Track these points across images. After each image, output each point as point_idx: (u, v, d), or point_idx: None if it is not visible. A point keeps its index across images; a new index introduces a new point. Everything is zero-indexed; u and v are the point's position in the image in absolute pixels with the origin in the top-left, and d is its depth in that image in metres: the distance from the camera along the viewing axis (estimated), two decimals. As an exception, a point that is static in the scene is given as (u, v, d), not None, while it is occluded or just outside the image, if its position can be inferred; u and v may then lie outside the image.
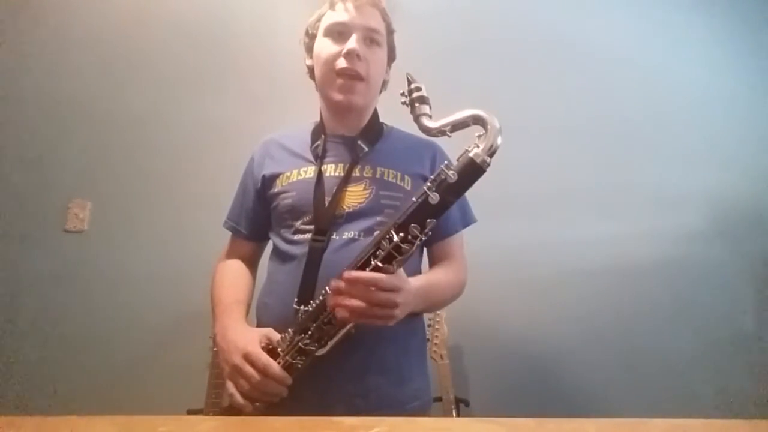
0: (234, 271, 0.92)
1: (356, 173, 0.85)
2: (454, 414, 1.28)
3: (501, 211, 1.46)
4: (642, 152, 1.61)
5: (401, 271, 0.68)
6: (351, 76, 0.83)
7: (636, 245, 1.52)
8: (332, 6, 0.87)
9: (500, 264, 1.50)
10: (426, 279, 0.81)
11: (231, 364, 0.70)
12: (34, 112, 1.68)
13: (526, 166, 1.60)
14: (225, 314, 0.81)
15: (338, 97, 0.85)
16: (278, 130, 0.99)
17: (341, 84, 0.84)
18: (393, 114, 0.89)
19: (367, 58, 0.84)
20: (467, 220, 0.94)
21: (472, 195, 0.94)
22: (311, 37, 0.90)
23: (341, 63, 0.83)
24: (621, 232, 1.54)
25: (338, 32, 0.84)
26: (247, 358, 0.68)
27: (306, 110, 0.97)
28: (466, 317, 1.42)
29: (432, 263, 0.91)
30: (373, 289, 0.65)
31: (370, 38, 0.85)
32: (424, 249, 0.92)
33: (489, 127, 0.64)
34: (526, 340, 1.48)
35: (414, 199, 0.66)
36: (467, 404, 1.34)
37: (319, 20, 0.88)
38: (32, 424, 0.48)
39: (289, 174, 0.87)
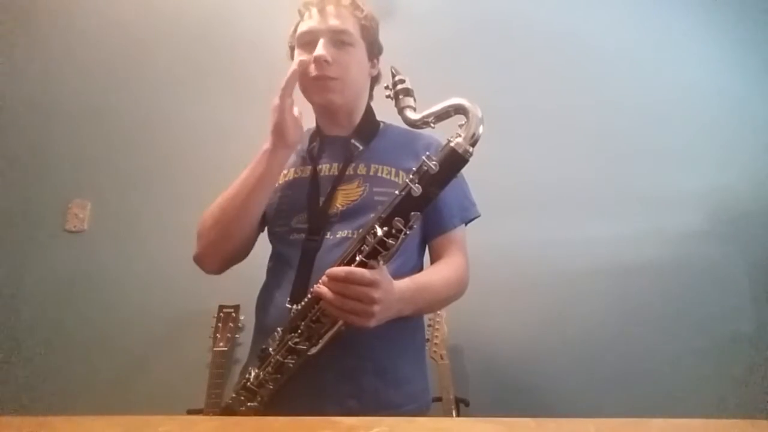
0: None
1: (350, 172, 0.85)
2: (454, 414, 1.28)
3: (500, 211, 1.45)
4: (641, 151, 1.60)
5: (384, 269, 0.67)
6: (322, 80, 0.83)
7: (635, 245, 1.52)
8: (301, 16, 0.87)
9: (500, 264, 1.50)
10: (414, 280, 0.77)
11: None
12: (34, 112, 1.68)
13: (525, 166, 1.60)
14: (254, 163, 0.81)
15: (315, 98, 0.86)
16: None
17: (315, 86, 0.84)
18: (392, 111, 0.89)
19: (338, 59, 0.83)
20: (467, 215, 0.91)
21: (472, 193, 0.95)
22: (291, 49, 0.91)
23: (312, 70, 0.82)
24: (620, 232, 1.54)
25: (307, 41, 0.84)
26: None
27: (307, 110, 0.97)
28: (466, 317, 1.42)
29: (431, 260, 0.90)
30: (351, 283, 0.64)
31: (339, 40, 0.84)
32: (425, 246, 0.91)
33: (470, 115, 0.63)
34: (526, 340, 1.48)
35: (397, 192, 0.65)
36: (467, 404, 1.34)
37: (295, 32, 0.88)
38: (32, 424, 0.48)
39: (286, 173, 0.88)
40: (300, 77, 0.85)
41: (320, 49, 0.81)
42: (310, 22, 0.84)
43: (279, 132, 0.78)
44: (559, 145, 1.63)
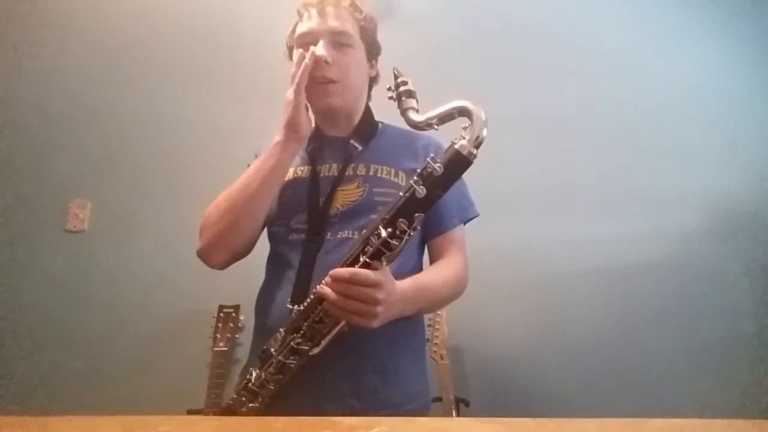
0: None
1: (350, 172, 0.85)
2: (454, 414, 1.28)
3: (500, 211, 1.45)
4: (641, 151, 1.60)
5: (387, 270, 0.67)
6: (322, 82, 0.83)
7: (635, 245, 1.52)
8: (300, 16, 0.87)
9: (500, 264, 1.50)
10: (415, 280, 0.77)
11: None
12: (35, 113, 1.68)
13: (525, 166, 1.60)
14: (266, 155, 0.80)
15: (316, 103, 0.86)
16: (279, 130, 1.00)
17: (315, 90, 0.83)
18: (391, 111, 0.89)
19: (338, 60, 0.83)
20: (465, 215, 0.92)
21: (471, 194, 0.95)
22: (290, 49, 0.91)
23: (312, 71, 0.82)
24: (620, 232, 1.54)
25: (307, 42, 0.84)
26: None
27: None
28: (466, 317, 1.42)
29: (431, 260, 0.90)
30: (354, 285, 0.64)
31: (338, 41, 0.84)
32: (425, 246, 0.92)
33: (474, 118, 0.64)
34: (526, 340, 1.48)
35: (401, 193, 0.65)
36: (467, 404, 1.34)
37: (293, 32, 0.88)
38: (32, 424, 0.48)
39: None
40: None
41: (320, 50, 0.81)
42: (310, 23, 0.84)
43: (293, 126, 0.78)
44: (559, 145, 1.63)
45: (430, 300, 0.82)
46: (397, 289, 0.70)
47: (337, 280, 0.64)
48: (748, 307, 1.46)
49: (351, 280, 0.63)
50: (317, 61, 0.80)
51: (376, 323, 0.66)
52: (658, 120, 1.63)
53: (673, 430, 0.50)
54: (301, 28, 0.86)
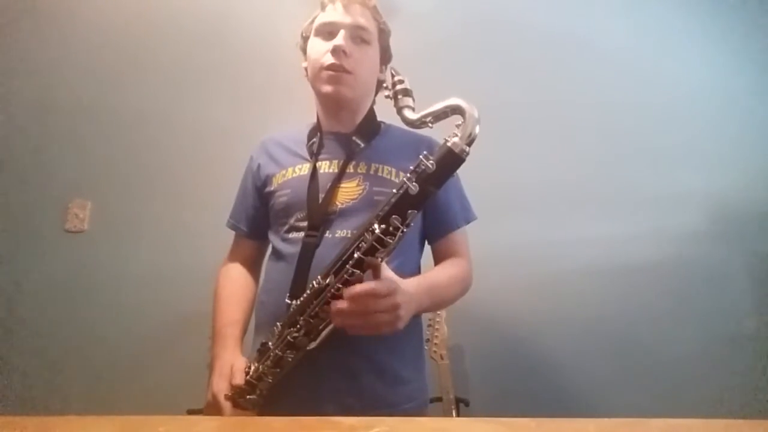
0: (233, 283, 0.93)
1: (350, 170, 0.85)
2: (454, 414, 1.27)
3: (500, 211, 1.46)
4: (642, 151, 1.60)
5: (389, 269, 0.68)
6: (337, 70, 0.84)
7: (636, 245, 1.52)
8: (323, 7, 0.89)
9: (500, 264, 1.49)
10: (424, 278, 0.80)
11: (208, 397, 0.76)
12: (35, 112, 1.68)
13: (526, 165, 1.60)
14: (216, 341, 0.85)
15: (326, 88, 0.86)
16: (278, 129, 1.00)
17: (328, 76, 0.85)
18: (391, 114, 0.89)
19: (355, 54, 0.85)
20: (469, 216, 0.93)
21: (471, 193, 0.95)
22: (305, 39, 0.92)
23: (328, 59, 0.84)
24: (621, 232, 1.53)
25: (327, 32, 0.86)
26: (213, 398, 0.74)
27: (307, 110, 0.97)
28: (466, 317, 1.41)
29: (436, 261, 0.91)
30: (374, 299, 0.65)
31: (359, 36, 0.87)
32: (425, 245, 0.92)
33: (467, 116, 0.65)
34: (527, 339, 1.48)
35: (395, 191, 0.66)
36: (467, 404, 1.34)
37: (312, 22, 0.91)
38: (32, 424, 0.48)
39: (284, 172, 0.88)
40: (312, 66, 0.88)
41: (340, 40, 0.83)
42: (335, 14, 0.87)
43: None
44: (559, 144, 1.63)
45: (441, 296, 0.84)
46: (409, 285, 0.71)
47: (356, 298, 0.64)
48: (748, 307, 1.46)
49: (372, 294, 0.64)
50: (336, 49, 0.83)
51: (400, 325, 0.68)
52: (658, 120, 1.63)
53: (673, 430, 0.50)
54: (324, 18, 0.88)
